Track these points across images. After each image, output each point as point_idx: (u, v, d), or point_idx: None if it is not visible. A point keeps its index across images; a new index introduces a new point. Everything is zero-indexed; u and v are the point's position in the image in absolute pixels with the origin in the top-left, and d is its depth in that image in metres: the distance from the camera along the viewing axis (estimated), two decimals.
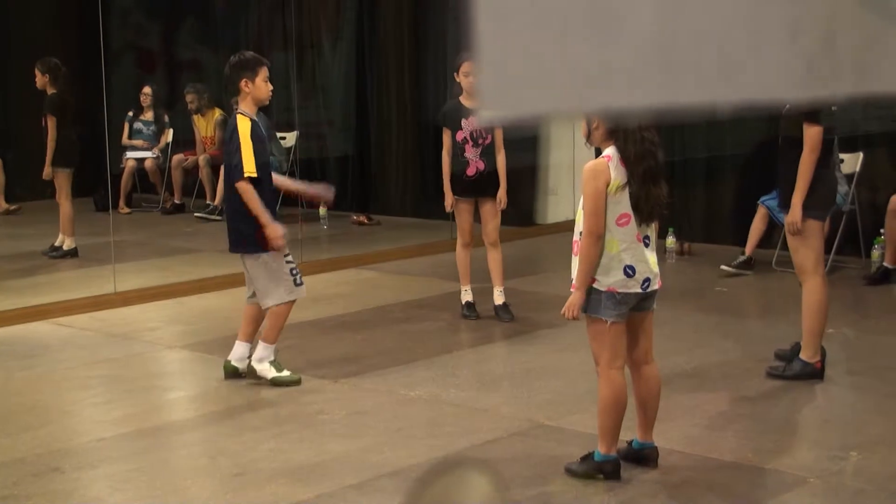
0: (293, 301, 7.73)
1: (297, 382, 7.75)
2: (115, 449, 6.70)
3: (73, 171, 12.42)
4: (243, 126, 7.50)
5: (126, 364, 8.53)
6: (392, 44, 15.28)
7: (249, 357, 7.82)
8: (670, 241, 11.83)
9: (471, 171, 9.24)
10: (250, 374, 7.76)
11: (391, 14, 15.26)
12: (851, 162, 11.05)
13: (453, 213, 9.55)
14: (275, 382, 7.68)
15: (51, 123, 12.14)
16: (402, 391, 7.62)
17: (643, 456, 6.14)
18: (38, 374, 8.32)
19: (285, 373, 7.75)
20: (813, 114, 7.20)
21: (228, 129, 7.69)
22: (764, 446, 6.47)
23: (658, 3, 1.33)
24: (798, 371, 7.53)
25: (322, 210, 14.65)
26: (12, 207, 15.21)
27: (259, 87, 7.60)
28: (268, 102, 7.82)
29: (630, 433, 6.15)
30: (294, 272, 7.66)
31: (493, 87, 1.26)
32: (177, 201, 16.17)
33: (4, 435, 6.92)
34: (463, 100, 9.23)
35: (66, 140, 12.26)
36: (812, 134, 7.25)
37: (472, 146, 9.21)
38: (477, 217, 9.47)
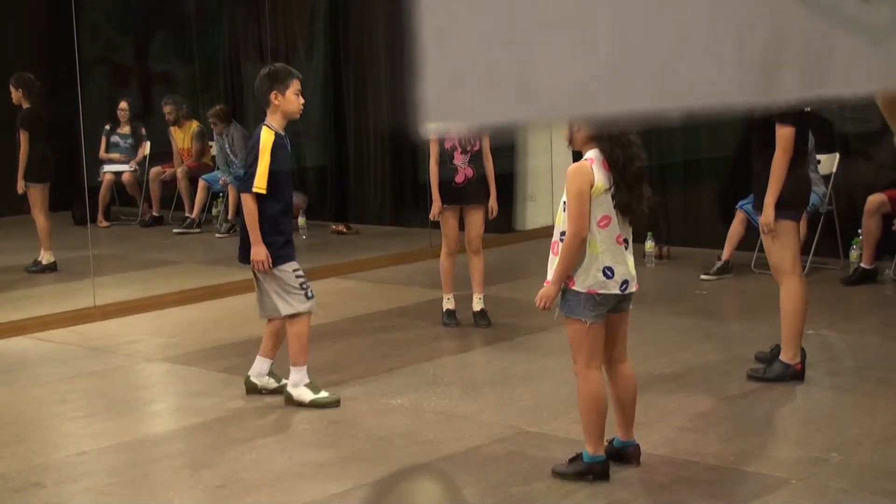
0: (309, 316, 7.63)
1: (337, 403, 7.56)
2: (96, 462, 6.68)
3: (49, 186, 12.42)
4: (266, 138, 7.37)
5: (106, 377, 8.51)
6: (368, 52, 15.28)
7: (271, 374, 7.75)
8: (649, 244, 11.84)
9: (459, 179, 9.23)
10: (288, 400, 7.59)
11: (367, 23, 15.26)
12: (828, 163, 11.09)
13: (436, 221, 9.52)
14: (314, 405, 7.54)
15: (24, 138, 12.14)
16: (384, 400, 7.62)
17: (625, 454, 6.19)
18: (18, 389, 8.29)
19: (323, 394, 7.58)
20: (785, 115, 7.22)
21: (252, 141, 7.57)
22: (745, 448, 6.48)
23: (604, 7, 1.33)
24: (779, 373, 7.54)
25: (301, 220, 14.64)
26: None
27: (290, 100, 7.45)
28: (298, 116, 7.71)
29: (612, 432, 6.18)
30: (304, 286, 7.56)
31: (436, 96, 1.25)
32: (155, 214, 16.15)
33: None
34: None
35: (40, 155, 12.25)
36: (784, 134, 7.27)
37: (461, 153, 9.20)
38: (461, 224, 9.46)
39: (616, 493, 5.90)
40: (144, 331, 9.96)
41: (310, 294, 7.58)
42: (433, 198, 9.32)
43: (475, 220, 9.40)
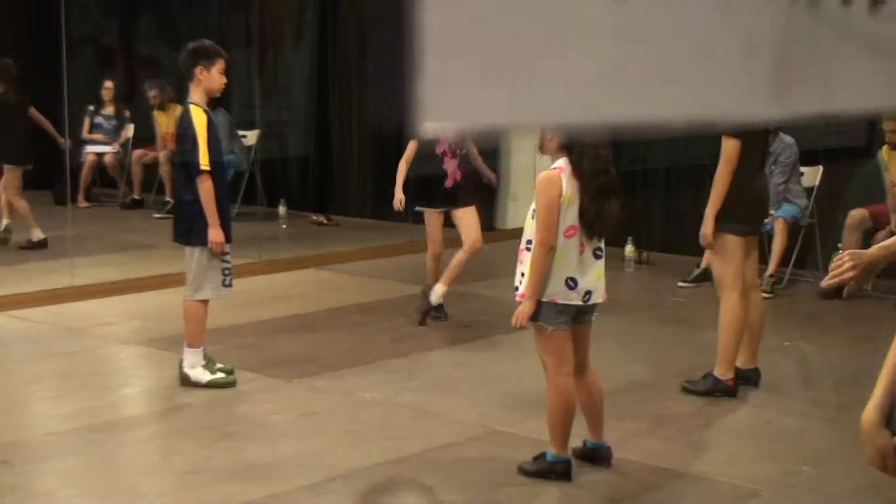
0: (206, 301, 7.67)
1: (233, 384, 7.67)
2: (66, 444, 6.65)
3: (23, 170, 12.46)
4: (200, 118, 7.44)
5: (80, 358, 8.47)
6: (354, 44, 15.26)
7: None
8: (629, 249, 11.86)
9: (449, 183, 9.20)
10: (184, 381, 7.65)
11: (353, 14, 15.24)
12: (811, 176, 11.11)
13: (417, 217, 9.49)
14: (211, 385, 7.60)
15: None
16: (357, 393, 7.60)
17: (597, 456, 6.25)
18: None
19: (219, 375, 7.67)
20: (733, 127, 7.15)
21: (183, 120, 7.61)
22: (716, 457, 6.48)
23: (611, 18, 1.32)
24: (709, 387, 7.49)
25: (282, 209, 14.62)
26: None
27: (213, 77, 7.52)
28: (218, 95, 7.77)
29: (586, 432, 6.20)
30: (226, 272, 7.61)
31: (435, 96, 1.24)
32: (136, 196, 16.12)
33: None
34: None
35: (15, 139, 12.27)
36: (728, 147, 7.19)
37: (452, 157, 9.17)
38: (448, 221, 9.39)
39: (584, 498, 5.90)
40: (121, 313, 9.93)
41: (227, 283, 7.65)
42: (396, 189, 9.29)
43: (471, 220, 9.33)
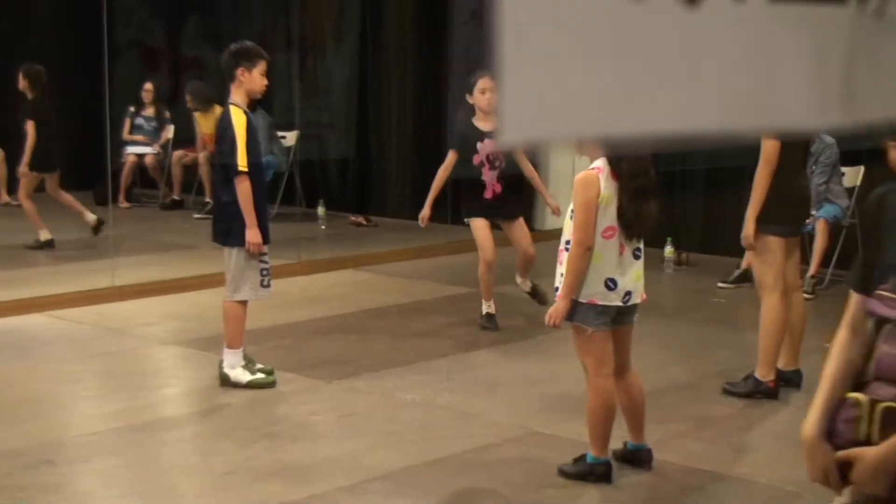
0: (245, 302, 7.69)
1: (272, 384, 7.69)
2: (107, 444, 6.68)
3: (53, 176, 12.58)
4: (239, 120, 7.46)
5: (120, 359, 8.51)
6: (394, 46, 15.28)
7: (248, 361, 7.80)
8: (669, 250, 11.82)
9: (489, 195, 9.11)
10: (224, 381, 7.67)
11: (394, 16, 15.26)
12: (852, 176, 11.05)
13: (458, 217, 9.46)
14: (251, 386, 7.62)
15: (30, 127, 12.32)
16: (396, 394, 7.61)
17: (638, 458, 6.23)
18: (32, 366, 8.30)
19: (259, 375, 7.69)
20: None
21: (223, 121, 7.63)
22: (758, 459, 6.45)
23: (681, 26, 1.32)
24: (750, 389, 7.46)
25: (321, 210, 14.65)
26: (14, 201, 15.21)
27: (255, 78, 7.52)
28: (260, 96, 7.79)
29: (626, 434, 6.19)
30: (264, 273, 7.62)
31: (515, 108, 1.24)
32: (176, 197, 16.18)
33: None
34: (477, 122, 9.02)
35: (42, 146, 12.38)
36: (767, 148, 7.15)
37: (490, 169, 9.09)
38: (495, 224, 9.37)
39: (624, 500, 5.88)
40: (161, 313, 9.97)
41: (266, 283, 7.66)
42: (427, 202, 9.27)
43: (520, 232, 9.31)
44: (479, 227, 9.23)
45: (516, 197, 9.35)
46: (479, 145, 8.99)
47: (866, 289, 3.30)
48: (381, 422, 7.05)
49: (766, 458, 6.48)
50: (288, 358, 8.32)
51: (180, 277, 11.03)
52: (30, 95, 12.44)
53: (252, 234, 7.44)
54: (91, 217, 12.66)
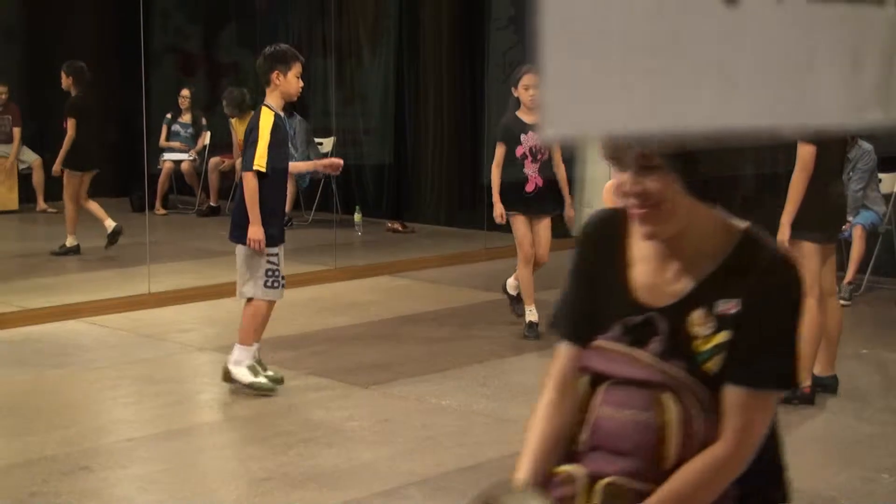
0: (272, 302, 7.69)
1: (272, 391, 7.65)
2: (145, 449, 6.70)
3: (89, 175, 12.63)
4: (266, 120, 7.46)
5: (157, 365, 8.55)
6: (431, 52, 15.29)
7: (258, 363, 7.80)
8: None
9: (530, 188, 9.15)
10: (225, 376, 7.67)
11: (431, 22, 15.28)
12: (889, 182, 11.00)
13: (497, 224, 9.43)
14: (252, 388, 7.61)
15: (70, 125, 12.38)
16: (432, 400, 7.61)
17: None
18: (70, 372, 8.34)
19: (262, 379, 7.66)
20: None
21: (251, 121, 7.64)
22: (792, 465, 6.39)
23: (720, 24, 1.34)
24: (787, 394, 7.41)
25: (357, 216, 14.68)
26: (50, 209, 15.30)
27: (290, 81, 7.53)
28: (295, 99, 7.82)
29: None
30: (269, 273, 7.59)
31: (557, 103, 1.25)
32: (212, 204, 16.22)
33: (34, 432, 6.94)
34: (521, 114, 9.08)
35: (82, 144, 12.42)
36: (803, 153, 7.13)
37: (532, 161, 9.12)
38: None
39: None
40: (197, 320, 10.00)
41: (269, 283, 7.60)
42: (494, 202, 9.20)
43: (544, 233, 9.31)
44: (520, 223, 9.23)
45: (555, 194, 9.33)
46: (522, 137, 9.03)
47: (579, 339, 2.85)
48: (417, 427, 7.06)
49: (803, 463, 6.44)
50: (324, 363, 8.34)
51: (216, 284, 11.04)
52: (73, 93, 12.49)
53: (254, 231, 7.42)
54: (111, 223, 12.66)
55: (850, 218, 9.99)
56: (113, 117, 13.65)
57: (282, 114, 7.63)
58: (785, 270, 2.65)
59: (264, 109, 7.53)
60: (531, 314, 9.35)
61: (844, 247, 10.30)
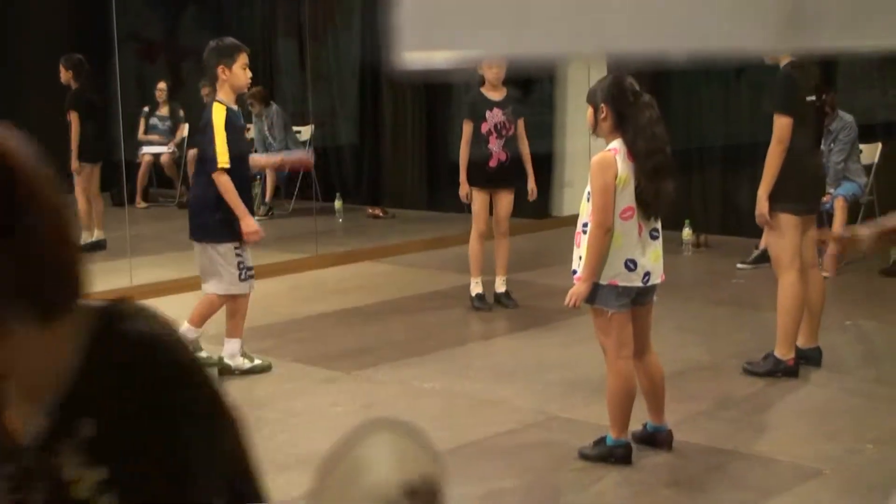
0: (248, 295, 7.74)
1: (268, 367, 7.85)
2: None
3: (99, 167, 12.56)
4: (218, 116, 7.41)
5: None
6: None
7: (244, 355, 7.83)
8: (686, 232, 11.79)
9: (493, 163, 9.29)
10: (224, 371, 7.69)
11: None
12: (870, 152, 11.01)
13: (468, 204, 9.53)
14: (252, 371, 7.80)
15: (74, 119, 12.24)
16: (416, 383, 7.60)
17: (657, 439, 6.21)
18: None
19: (257, 361, 7.88)
20: (783, 104, 7.13)
21: (204, 116, 7.59)
22: (779, 437, 6.43)
23: None
24: (770, 368, 7.43)
25: (337, 203, 14.65)
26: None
27: (237, 74, 7.47)
28: (245, 90, 7.80)
29: (645, 415, 6.17)
30: (241, 266, 7.59)
31: (416, 23, 1.16)
32: None
33: None
34: (486, 91, 9.31)
35: (89, 135, 12.34)
36: (779, 125, 7.14)
37: (497, 137, 9.24)
38: (490, 209, 9.49)
39: (645, 481, 5.87)
40: (180, 311, 9.95)
41: (243, 276, 7.61)
42: (461, 180, 9.37)
43: (504, 202, 9.48)
44: (479, 198, 9.41)
45: (518, 169, 9.47)
46: (487, 114, 9.16)
47: None
48: (401, 411, 7.04)
49: (788, 436, 6.46)
50: (307, 350, 8.33)
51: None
52: (73, 86, 12.39)
53: (245, 224, 7.41)
54: (99, 234, 12.58)
55: (831, 190, 9.99)
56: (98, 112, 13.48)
57: (235, 107, 7.58)
58: (153, 357, 1.97)
59: (216, 105, 7.48)
60: (477, 286, 9.57)
61: (827, 218, 10.30)
